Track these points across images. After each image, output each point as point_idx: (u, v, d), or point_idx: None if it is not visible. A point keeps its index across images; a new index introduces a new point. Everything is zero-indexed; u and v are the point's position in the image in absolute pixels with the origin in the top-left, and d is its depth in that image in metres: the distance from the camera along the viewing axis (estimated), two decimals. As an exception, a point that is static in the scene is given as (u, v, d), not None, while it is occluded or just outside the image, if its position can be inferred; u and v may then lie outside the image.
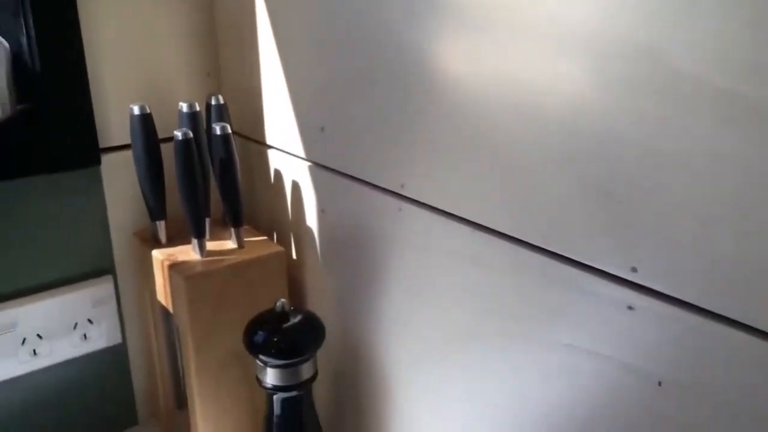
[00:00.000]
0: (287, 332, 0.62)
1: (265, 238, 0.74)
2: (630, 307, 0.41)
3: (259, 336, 0.62)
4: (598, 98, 0.40)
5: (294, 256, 0.75)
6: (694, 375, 0.38)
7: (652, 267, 0.39)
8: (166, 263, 0.67)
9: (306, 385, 0.64)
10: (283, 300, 0.63)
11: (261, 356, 0.62)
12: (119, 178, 0.74)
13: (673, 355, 0.39)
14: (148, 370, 0.81)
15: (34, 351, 0.72)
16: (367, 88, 0.58)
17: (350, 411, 0.71)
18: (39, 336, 0.72)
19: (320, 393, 0.69)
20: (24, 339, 0.71)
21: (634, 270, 0.40)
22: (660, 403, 0.40)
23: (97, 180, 0.73)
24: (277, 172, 0.74)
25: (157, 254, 0.69)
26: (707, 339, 0.38)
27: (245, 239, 0.72)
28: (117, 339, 0.78)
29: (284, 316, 0.63)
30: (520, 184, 0.46)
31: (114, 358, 0.79)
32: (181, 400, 0.81)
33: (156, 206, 0.70)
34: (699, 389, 0.38)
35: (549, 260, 0.46)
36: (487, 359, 0.53)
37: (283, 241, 0.75)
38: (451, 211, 0.53)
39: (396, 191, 0.58)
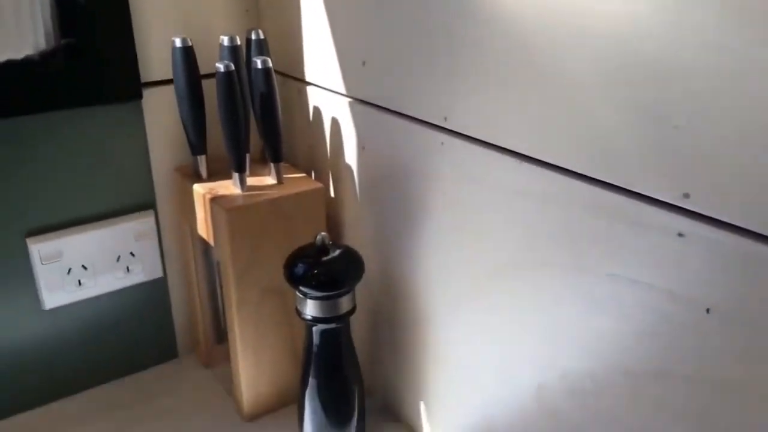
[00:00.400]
0: (327, 265, 0.63)
1: (304, 175, 0.74)
2: (680, 234, 0.41)
3: (300, 268, 0.63)
4: (655, 19, 0.39)
5: (332, 193, 0.75)
6: (745, 301, 0.38)
7: (706, 192, 0.39)
8: (208, 197, 0.68)
9: (344, 318, 0.65)
10: (323, 233, 0.63)
11: (301, 288, 0.63)
12: (160, 113, 0.74)
13: (722, 281, 0.39)
14: (188, 304, 0.83)
15: (79, 281, 0.74)
16: (410, 18, 0.57)
17: (387, 346, 0.73)
18: (84, 267, 0.74)
19: (357, 327, 0.70)
20: (69, 269, 0.73)
21: (686, 196, 0.40)
22: (708, 330, 0.40)
23: (139, 114, 0.74)
24: (316, 110, 0.74)
25: (199, 188, 0.70)
26: (760, 264, 0.37)
27: (284, 176, 0.72)
28: (158, 273, 0.80)
29: (324, 249, 0.63)
30: (569, 111, 0.46)
31: (155, 292, 0.81)
32: (220, 334, 0.83)
33: (197, 140, 0.71)
34: (749, 315, 0.38)
35: (597, 189, 0.45)
36: (529, 292, 0.53)
37: (321, 179, 0.75)
38: (496, 143, 0.52)
39: (439, 124, 0.57)
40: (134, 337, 0.81)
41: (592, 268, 0.47)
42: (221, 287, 0.80)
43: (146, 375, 0.83)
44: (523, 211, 0.51)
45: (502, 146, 0.52)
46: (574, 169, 0.47)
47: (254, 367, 0.72)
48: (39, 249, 0.70)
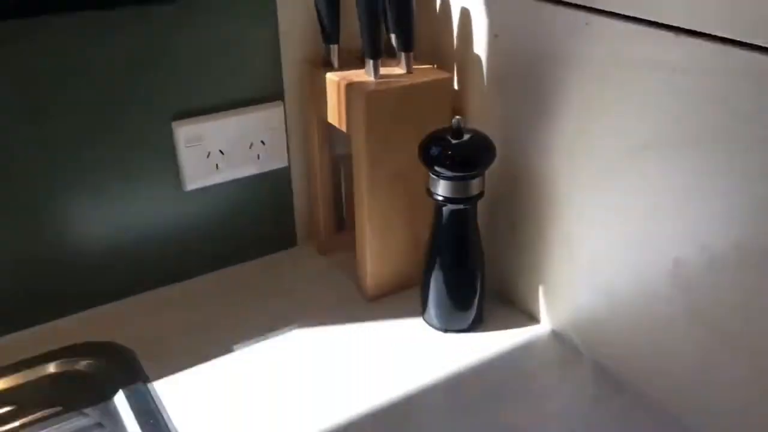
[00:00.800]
0: (462, 147, 0.66)
1: (431, 66, 0.76)
2: None
3: (436, 149, 0.66)
4: None
5: (456, 85, 0.77)
6: None
7: None
8: (343, 83, 0.71)
9: (473, 200, 0.68)
10: (459, 117, 0.66)
11: (436, 168, 0.66)
12: (293, 3, 0.77)
13: None
14: (310, 194, 0.87)
15: (217, 166, 0.79)
16: None
17: (505, 232, 0.75)
18: (221, 152, 0.78)
19: (478, 213, 0.73)
20: (209, 153, 0.78)
21: None
22: None
23: (272, 5, 0.76)
24: (444, 0, 0.75)
25: (332, 76, 0.73)
26: None
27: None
28: (284, 162, 0.84)
29: (459, 132, 0.66)
30: (739, -22, 0.46)
31: (279, 181, 0.85)
32: (338, 224, 0.88)
33: (331, 29, 0.73)
34: None
35: (759, 56, 0.46)
36: (673, 168, 0.54)
37: (446, 70, 0.77)
38: (649, 18, 0.53)
39: (584, 4, 0.58)
40: (257, 224, 0.86)
41: (749, 139, 0.48)
42: (344, 178, 0.84)
43: (268, 260, 0.88)
44: (677, 87, 0.52)
45: (655, 21, 0.52)
46: (733, 38, 0.47)
47: (379, 250, 0.76)
48: (184, 132, 0.75)
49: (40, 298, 0.75)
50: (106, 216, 0.75)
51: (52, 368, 0.67)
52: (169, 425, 0.62)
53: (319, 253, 0.89)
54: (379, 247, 0.76)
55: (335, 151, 0.83)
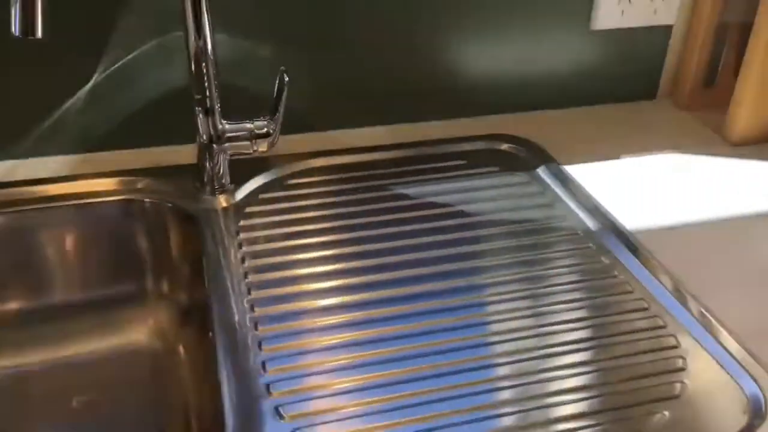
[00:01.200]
0: None
1: None
2: None
3: None
4: None
5: None
6: None
7: None
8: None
9: None
10: None
11: None
12: None
13: None
14: (684, 53, 1.00)
15: (622, 12, 0.95)
16: None
17: None
18: (629, 0, 0.94)
19: None
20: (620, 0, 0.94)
21: None
22: None
23: None
24: None
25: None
26: None
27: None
28: (671, 20, 0.98)
29: None
30: None
31: (661, 37, 0.99)
32: (708, 79, 1.01)
33: None
34: None
35: None
36: None
37: None
38: None
39: None
40: (629, 69, 1.01)
41: None
42: (728, 42, 0.96)
43: (630, 105, 1.03)
44: None
45: None
46: None
47: (755, 105, 0.89)
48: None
49: (476, 101, 0.98)
50: (525, 47, 0.95)
51: (484, 144, 0.91)
52: (576, 184, 0.82)
53: (679, 107, 1.02)
54: (756, 101, 0.89)
55: (723, 18, 0.95)
